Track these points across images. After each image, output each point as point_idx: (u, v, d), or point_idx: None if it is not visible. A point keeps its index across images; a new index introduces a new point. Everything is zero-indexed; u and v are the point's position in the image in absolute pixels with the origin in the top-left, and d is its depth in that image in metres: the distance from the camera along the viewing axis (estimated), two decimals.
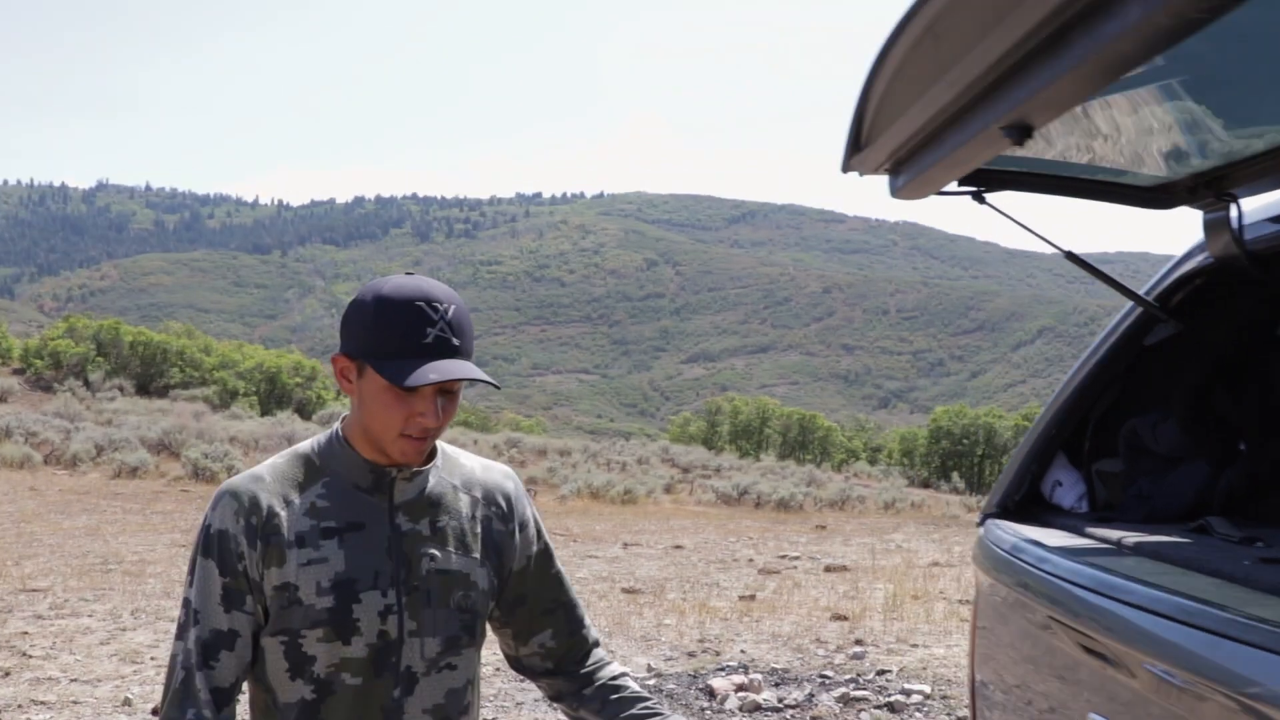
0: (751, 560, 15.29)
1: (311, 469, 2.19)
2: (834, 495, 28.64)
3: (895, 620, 10.66)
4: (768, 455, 40.96)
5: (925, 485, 39.52)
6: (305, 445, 2.24)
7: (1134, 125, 2.45)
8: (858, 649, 9.20)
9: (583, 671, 2.40)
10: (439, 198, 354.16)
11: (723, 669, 8.29)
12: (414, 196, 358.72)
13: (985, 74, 1.91)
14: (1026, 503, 3.24)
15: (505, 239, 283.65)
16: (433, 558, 2.18)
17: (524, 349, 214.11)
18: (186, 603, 2.11)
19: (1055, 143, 2.55)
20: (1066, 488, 3.18)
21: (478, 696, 2.29)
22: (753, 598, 11.82)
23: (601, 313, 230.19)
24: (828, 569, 14.46)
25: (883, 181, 2.73)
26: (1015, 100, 1.88)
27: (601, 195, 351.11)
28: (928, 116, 2.25)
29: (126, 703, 7.05)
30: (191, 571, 2.12)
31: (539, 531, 2.39)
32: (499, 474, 2.37)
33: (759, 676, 7.97)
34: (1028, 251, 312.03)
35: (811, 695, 7.61)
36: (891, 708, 7.33)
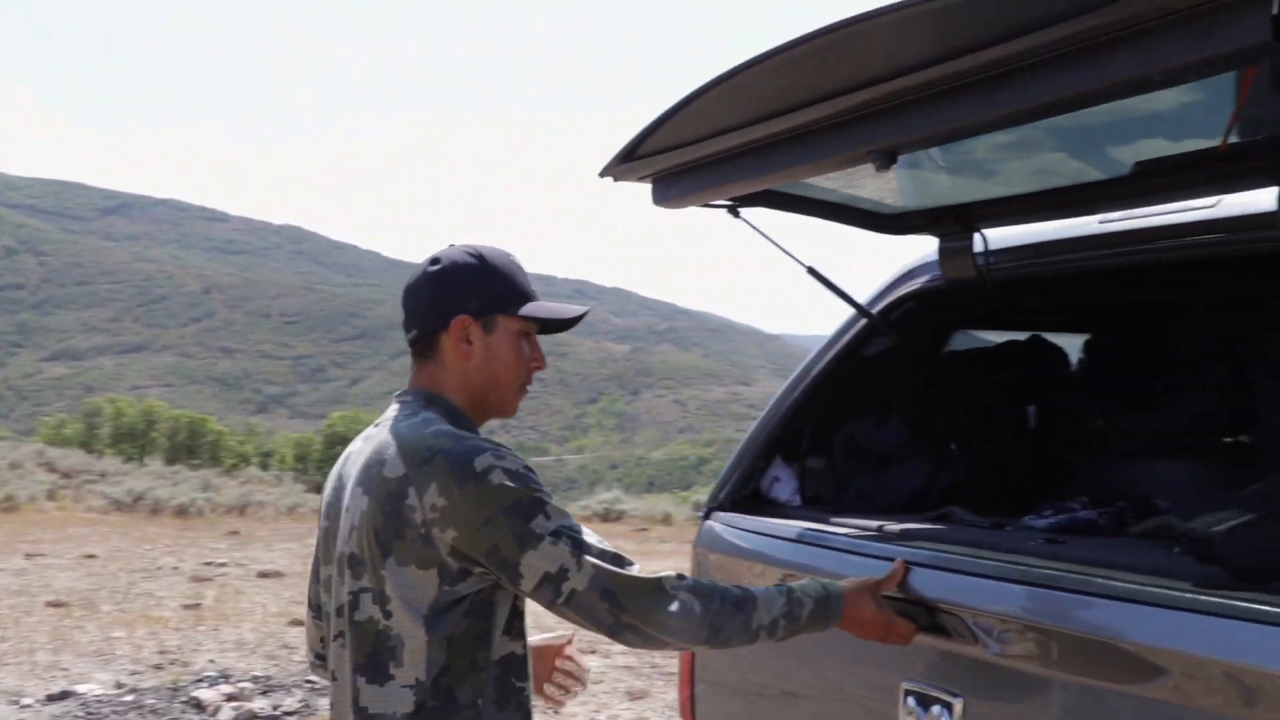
0: (177, 568, 14.58)
1: None
2: (234, 500, 27.82)
3: None
4: (154, 459, 39.01)
5: (319, 490, 39.34)
6: (436, 418, 2.25)
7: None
8: None
9: None
10: None
11: (202, 680, 7.93)
12: None
13: (864, 105, 2.18)
14: (748, 497, 3.48)
15: None
16: None
17: None
18: (559, 534, 2.16)
19: None
20: (783, 483, 3.44)
21: None
22: (198, 606, 11.32)
23: None
24: (262, 575, 14.11)
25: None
26: (893, 131, 2.15)
27: None
28: (740, 141, 2.48)
29: None
30: (535, 512, 2.15)
31: None
32: None
33: (248, 685, 7.70)
34: (408, 262, 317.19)
35: (306, 701, 7.46)
36: None
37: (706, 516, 3.49)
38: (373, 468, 2.23)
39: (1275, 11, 1.62)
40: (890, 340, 3.42)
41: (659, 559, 14.39)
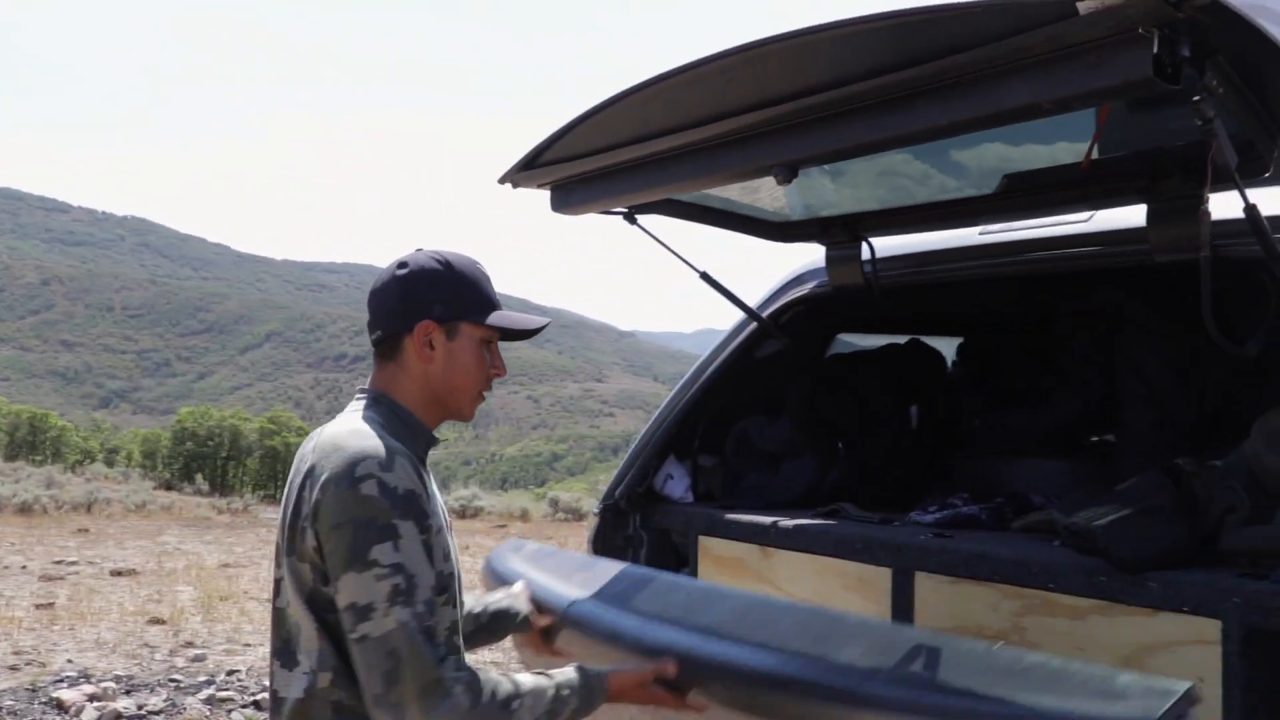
0: (25, 567, 14.19)
1: (395, 442, 2.23)
2: (80, 498, 27.09)
3: (216, 622, 10.50)
4: None
5: (169, 487, 38.42)
6: (366, 422, 2.26)
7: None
8: (194, 651, 9.00)
9: None
10: None
11: (61, 680, 7.77)
12: None
13: (770, 122, 2.31)
14: (644, 494, 3.58)
15: None
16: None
17: None
18: (395, 570, 2.10)
19: None
20: (676, 480, 3.56)
21: None
22: (51, 605, 11.05)
23: None
24: (116, 573, 13.81)
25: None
26: (797, 147, 2.28)
27: None
28: (646, 152, 2.59)
29: None
30: (384, 538, 2.11)
31: None
32: None
33: (110, 685, 7.56)
34: (258, 256, 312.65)
35: (172, 700, 7.36)
36: (258, 705, 7.29)
37: (601, 514, 3.59)
38: (301, 460, 2.30)
39: (1155, 50, 1.79)
40: (780, 343, 3.56)
41: None
